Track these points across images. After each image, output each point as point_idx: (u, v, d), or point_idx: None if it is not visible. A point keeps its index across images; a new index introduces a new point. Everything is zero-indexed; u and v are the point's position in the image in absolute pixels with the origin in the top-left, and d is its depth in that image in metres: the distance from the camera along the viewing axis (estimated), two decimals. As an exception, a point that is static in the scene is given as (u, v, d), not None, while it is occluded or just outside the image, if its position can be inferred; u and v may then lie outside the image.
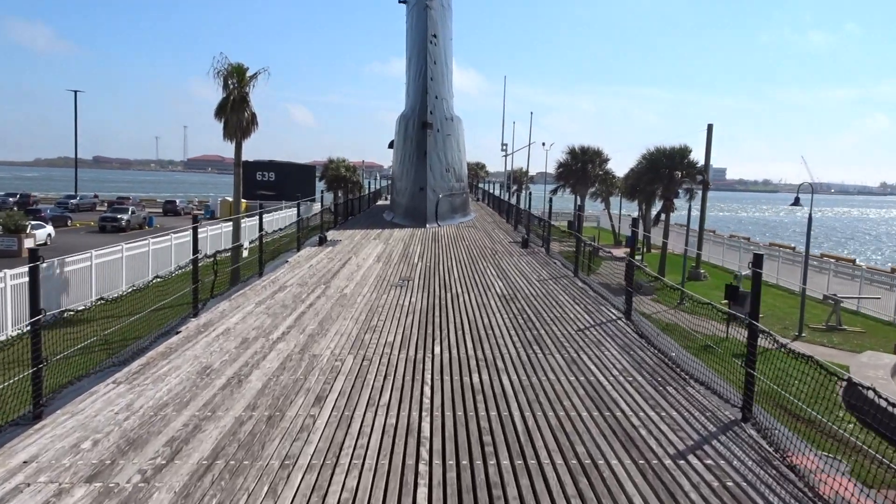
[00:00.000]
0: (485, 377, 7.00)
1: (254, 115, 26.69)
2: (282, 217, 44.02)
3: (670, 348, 8.16)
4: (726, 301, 28.23)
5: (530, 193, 23.76)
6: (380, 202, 43.42)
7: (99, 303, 7.11)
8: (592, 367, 7.46)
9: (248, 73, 26.68)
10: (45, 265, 21.25)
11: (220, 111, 26.19)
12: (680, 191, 35.07)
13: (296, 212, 22.40)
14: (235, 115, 25.94)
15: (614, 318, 10.15)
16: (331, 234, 20.71)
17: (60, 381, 6.49)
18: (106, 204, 68.22)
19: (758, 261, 5.96)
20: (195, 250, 9.64)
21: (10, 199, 66.70)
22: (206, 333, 8.64)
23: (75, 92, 70.62)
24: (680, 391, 6.73)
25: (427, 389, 6.56)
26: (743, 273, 30.41)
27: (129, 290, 8.35)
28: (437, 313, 10.15)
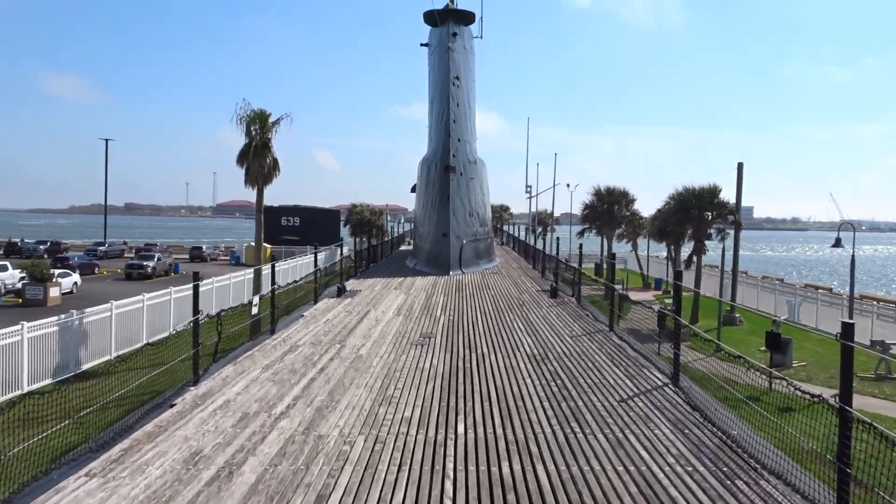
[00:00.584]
0: (516, 466, 5.97)
1: (276, 161, 26.32)
2: (306, 262, 43.51)
3: (731, 425, 7.04)
4: (765, 349, 26.72)
5: (558, 238, 22.75)
6: (403, 247, 42.62)
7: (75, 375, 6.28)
8: (643, 452, 6.38)
9: (271, 119, 26.43)
10: (64, 317, 20.95)
11: (242, 157, 25.87)
12: (711, 231, 33.87)
13: (319, 258, 22.02)
14: (257, 161, 25.58)
15: (660, 384, 9.05)
16: (350, 284, 19.93)
17: (37, 465, 5.64)
18: (134, 251, 68.78)
19: (847, 331, 4.89)
20: (195, 310, 8.85)
21: (41, 246, 67.68)
22: (203, 406, 7.76)
23: (106, 140, 72.06)
24: (752, 487, 5.61)
25: (448, 485, 5.55)
26: (782, 318, 28.90)
27: (115, 358, 7.53)
28: (460, 379, 9.17)
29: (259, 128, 25.92)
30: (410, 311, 15.15)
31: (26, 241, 73.97)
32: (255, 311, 11.87)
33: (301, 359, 10.39)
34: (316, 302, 16.37)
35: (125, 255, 66.81)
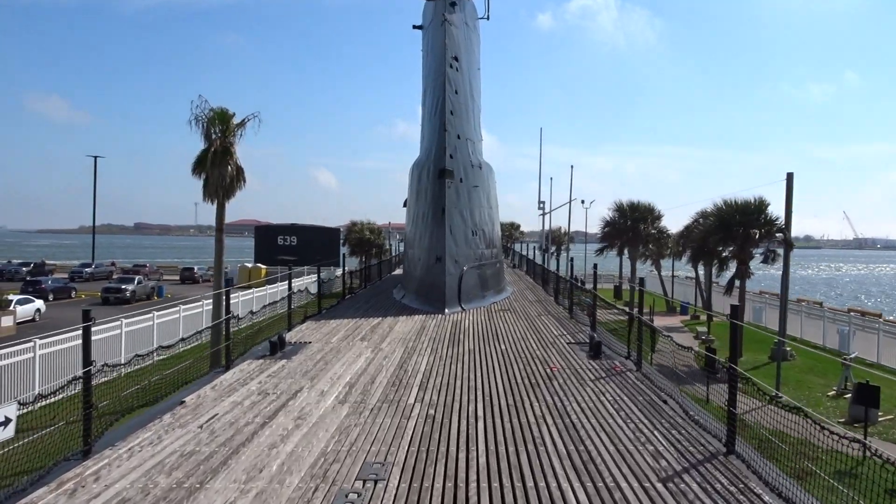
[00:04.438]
0: None
1: (240, 170, 22.12)
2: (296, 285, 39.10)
3: None
4: (835, 394, 22.03)
5: (595, 266, 17.36)
6: (397, 271, 36.56)
7: None
8: None
9: (235, 120, 22.25)
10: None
11: (199, 165, 21.67)
12: (756, 252, 29.29)
13: (315, 280, 16.08)
14: (217, 170, 21.37)
15: None
16: (298, 332, 14.13)
17: None
18: (122, 272, 65.47)
19: None
20: None
21: (24, 268, 64.27)
22: None
23: (95, 158, 68.65)
24: None
25: None
26: (852, 355, 24.25)
27: None
28: None
29: (221, 130, 21.74)
30: (367, 393, 9.32)
31: (13, 262, 70.74)
32: (5, 435, 6.23)
33: None
34: (228, 367, 10.88)
35: (113, 277, 63.29)
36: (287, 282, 15.55)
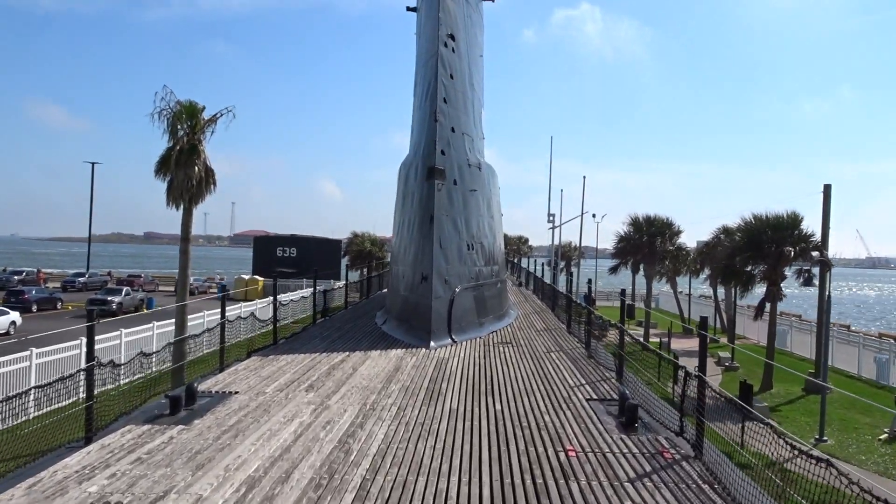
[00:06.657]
0: None
1: (209, 171, 19.63)
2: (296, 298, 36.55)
3: None
4: (886, 438, 19.14)
5: (623, 293, 13.67)
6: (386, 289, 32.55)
7: None
8: None
9: (205, 115, 19.79)
10: None
11: (163, 166, 19.20)
12: (787, 272, 26.48)
13: (314, 291, 13.21)
14: (182, 171, 18.89)
15: None
16: (233, 374, 10.54)
17: None
18: (116, 281, 63.68)
19: None
20: None
21: (15, 276, 62.40)
22: None
23: (92, 164, 66.80)
24: None
25: None
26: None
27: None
28: None
29: (189, 127, 19.28)
30: None
31: (7, 269, 69.00)
32: None
33: None
34: (89, 441, 7.35)
35: (108, 287, 61.42)
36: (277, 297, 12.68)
